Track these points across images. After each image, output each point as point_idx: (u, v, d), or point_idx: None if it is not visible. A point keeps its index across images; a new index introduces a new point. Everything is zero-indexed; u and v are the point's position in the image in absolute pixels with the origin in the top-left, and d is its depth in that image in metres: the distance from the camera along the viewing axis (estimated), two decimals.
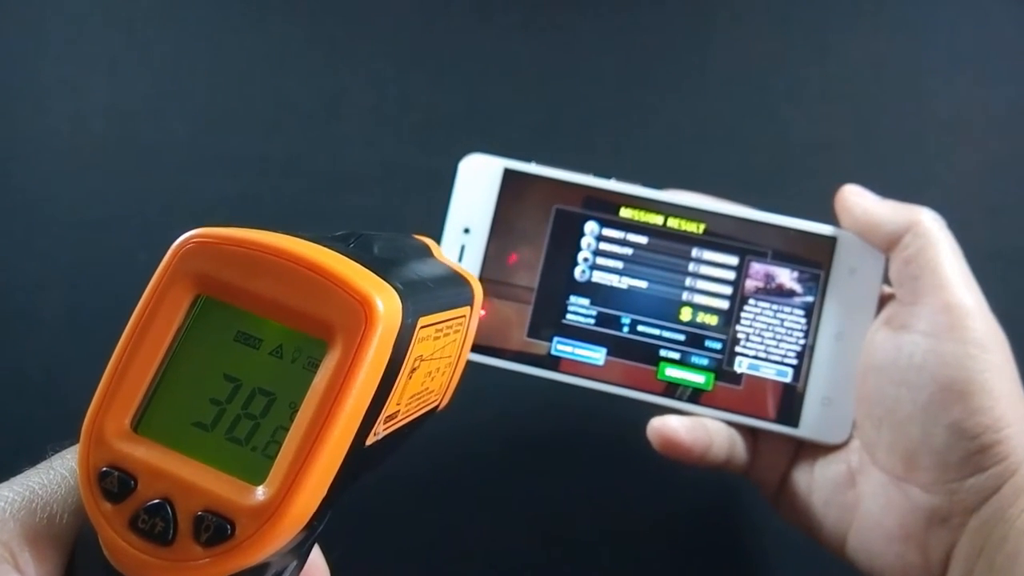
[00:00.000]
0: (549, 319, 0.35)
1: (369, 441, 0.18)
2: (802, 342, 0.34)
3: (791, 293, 0.35)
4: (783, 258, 0.35)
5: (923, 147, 0.46)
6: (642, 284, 0.35)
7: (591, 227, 0.36)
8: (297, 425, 0.16)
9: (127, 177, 0.46)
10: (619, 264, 0.35)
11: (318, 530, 0.19)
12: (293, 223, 0.23)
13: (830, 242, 0.35)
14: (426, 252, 0.24)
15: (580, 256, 0.36)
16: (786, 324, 0.35)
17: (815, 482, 0.33)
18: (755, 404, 0.34)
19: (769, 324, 0.35)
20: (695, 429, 0.32)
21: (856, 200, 0.33)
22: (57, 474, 0.19)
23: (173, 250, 0.18)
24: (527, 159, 0.37)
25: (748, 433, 0.35)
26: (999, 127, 0.46)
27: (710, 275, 0.35)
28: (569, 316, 0.35)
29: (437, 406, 0.23)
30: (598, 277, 0.35)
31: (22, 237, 0.46)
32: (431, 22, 0.48)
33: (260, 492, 0.16)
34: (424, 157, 0.47)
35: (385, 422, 0.19)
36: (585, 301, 0.35)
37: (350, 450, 0.17)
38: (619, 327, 0.35)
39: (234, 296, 0.18)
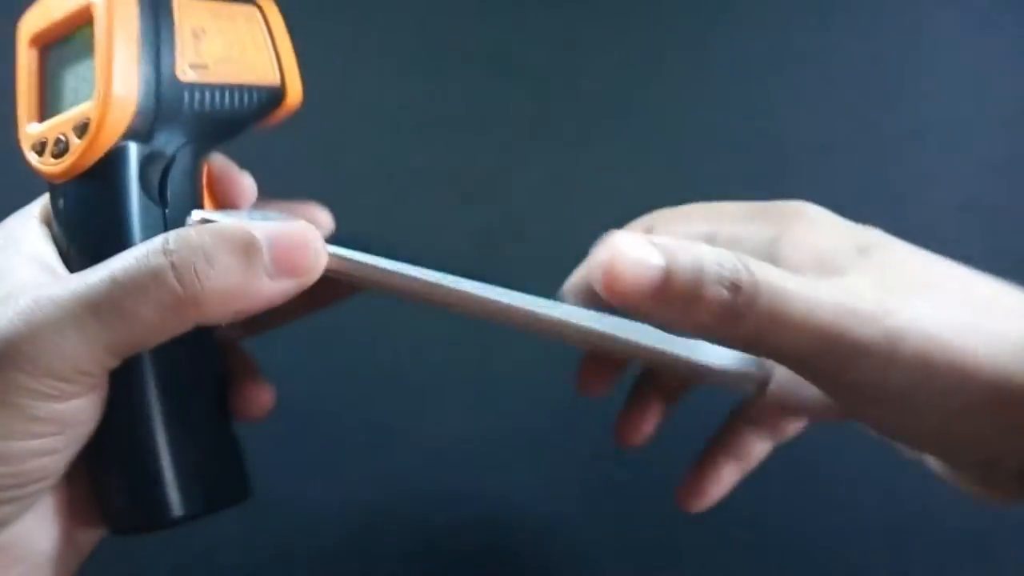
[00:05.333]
0: None
1: (182, 76, 0.24)
2: None
3: None
4: None
5: (923, 147, 0.46)
6: None
7: None
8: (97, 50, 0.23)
9: None
10: None
11: (166, 126, 0.24)
12: None
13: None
14: None
15: None
16: None
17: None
18: None
19: None
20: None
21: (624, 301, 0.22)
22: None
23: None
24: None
25: None
26: (999, 127, 0.46)
27: None
28: None
29: (279, 86, 0.27)
30: None
31: None
32: (431, 22, 0.48)
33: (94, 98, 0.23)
34: (424, 157, 0.47)
35: (194, 68, 0.24)
36: None
37: (151, 87, 0.23)
38: None
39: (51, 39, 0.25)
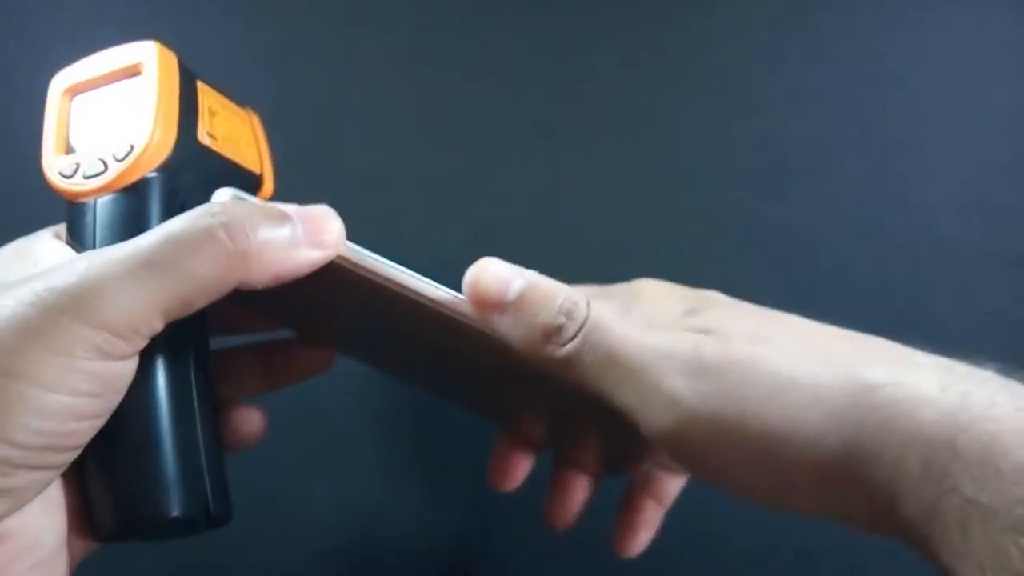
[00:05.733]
0: None
1: (201, 139, 0.28)
2: None
3: None
4: None
5: (923, 147, 0.46)
6: None
7: None
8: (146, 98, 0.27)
9: None
10: None
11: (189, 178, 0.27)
12: None
13: None
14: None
15: None
16: None
17: None
18: None
19: None
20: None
21: (482, 315, 0.26)
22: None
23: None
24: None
25: None
26: (999, 127, 0.46)
27: None
28: None
29: (259, 176, 0.32)
30: None
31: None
32: (431, 22, 0.48)
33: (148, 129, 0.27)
34: (424, 157, 0.47)
35: (209, 136, 0.29)
36: None
37: (183, 138, 0.27)
38: None
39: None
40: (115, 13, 0.49)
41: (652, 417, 0.24)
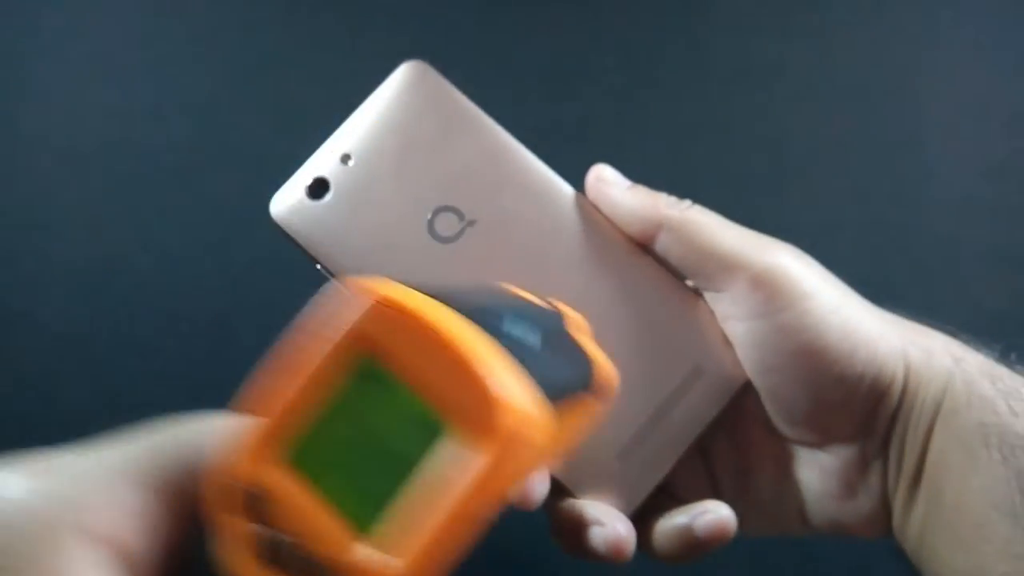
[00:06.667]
0: None
1: None
2: None
3: None
4: None
5: (923, 147, 0.46)
6: None
7: None
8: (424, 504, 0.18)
9: (127, 177, 0.46)
10: None
11: None
12: None
13: None
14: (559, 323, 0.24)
15: None
16: None
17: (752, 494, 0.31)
18: None
19: None
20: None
21: (601, 190, 0.32)
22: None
23: (354, 308, 0.18)
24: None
25: None
26: (999, 127, 0.46)
27: None
28: None
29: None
30: None
31: (22, 237, 0.46)
32: (431, 22, 0.48)
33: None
34: None
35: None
36: None
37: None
38: None
39: (398, 367, 0.18)
40: (111, 12, 0.49)
41: (756, 257, 0.29)
